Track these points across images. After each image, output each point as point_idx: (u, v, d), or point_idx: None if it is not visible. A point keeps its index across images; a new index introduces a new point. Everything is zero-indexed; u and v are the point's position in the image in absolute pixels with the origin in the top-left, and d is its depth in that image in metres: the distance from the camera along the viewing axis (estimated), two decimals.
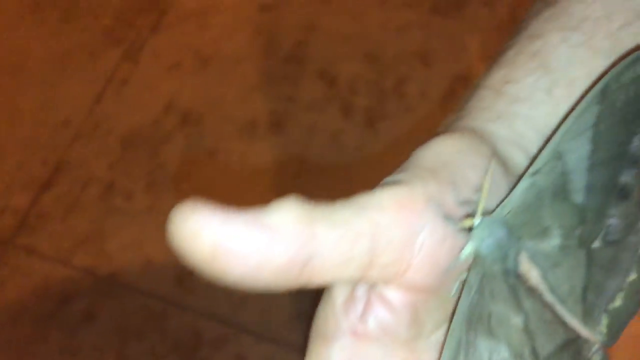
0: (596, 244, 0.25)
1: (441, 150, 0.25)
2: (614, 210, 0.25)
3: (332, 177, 1.07)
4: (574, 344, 0.25)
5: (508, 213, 0.24)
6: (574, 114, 0.24)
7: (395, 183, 0.23)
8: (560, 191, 0.24)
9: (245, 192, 1.07)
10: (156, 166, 1.10)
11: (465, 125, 0.27)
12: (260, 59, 1.18)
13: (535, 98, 0.27)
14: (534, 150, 0.26)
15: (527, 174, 0.24)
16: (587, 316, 0.25)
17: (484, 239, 0.23)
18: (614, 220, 0.25)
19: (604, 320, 0.26)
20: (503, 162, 0.26)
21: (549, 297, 0.25)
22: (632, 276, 0.26)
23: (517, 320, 0.24)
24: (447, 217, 0.23)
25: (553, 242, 0.24)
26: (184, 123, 1.13)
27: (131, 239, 1.05)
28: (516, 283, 0.24)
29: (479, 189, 0.24)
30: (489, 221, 0.23)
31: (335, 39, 1.18)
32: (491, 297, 0.24)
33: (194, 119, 1.13)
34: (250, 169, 1.09)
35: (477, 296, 0.23)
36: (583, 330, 0.25)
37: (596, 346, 0.26)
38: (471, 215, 0.23)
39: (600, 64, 0.27)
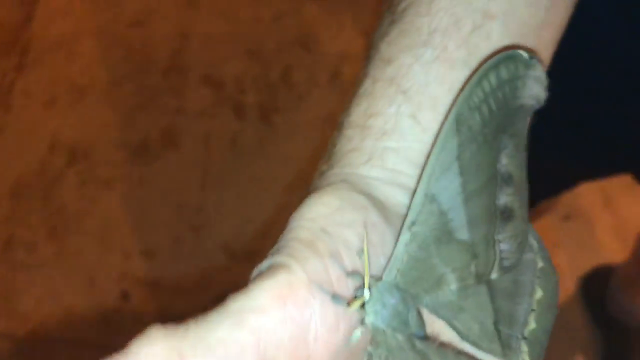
0: (494, 275, 0.24)
1: (316, 214, 0.23)
2: (502, 234, 0.24)
3: (239, 182, 1.04)
4: None
5: (397, 274, 0.23)
6: (434, 151, 0.23)
7: (272, 270, 0.21)
8: (443, 234, 0.23)
9: (151, 217, 1.03)
10: (54, 210, 1.04)
11: (337, 174, 0.26)
12: (138, 76, 1.14)
13: (402, 127, 0.26)
14: (411, 184, 0.25)
15: (404, 226, 0.23)
16: (507, 349, 0.25)
17: (378, 313, 0.22)
18: (504, 245, 0.24)
19: (524, 348, 0.25)
20: (382, 206, 0.25)
21: (462, 346, 0.24)
22: (539, 294, 0.25)
23: None
24: (335, 298, 0.21)
25: (451, 287, 0.24)
26: (73, 159, 1.08)
27: (45, 291, 0.99)
28: (425, 347, 0.23)
29: (360, 251, 0.22)
30: (378, 291, 0.22)
31: (212, 42, 1.15)
32: None
33: (81, 152, 1.08)
34: (153, 192, 1.05)
35: None
36: None
37: None
38: (359, 288, 0.22)
39: (459, 76, 0.26)
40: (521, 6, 0.28)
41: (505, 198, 0.24)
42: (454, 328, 0.24)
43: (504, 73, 0.24)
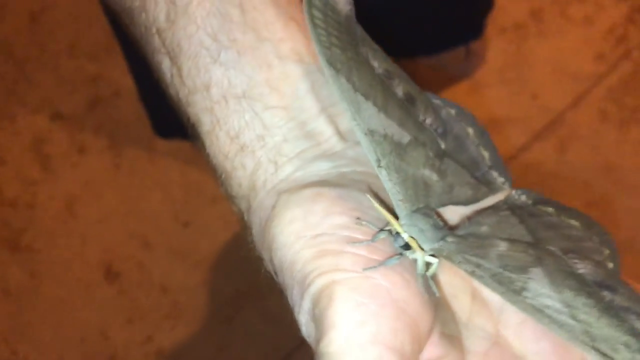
0: (443, 146, 0.27)
1: (296, 231, 0.25)
2: (421, 115, 0.27)
3: None
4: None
5: (402, 205, 0.25)
6: (341, 99, 0.25)
7: (330, 293, 0.23)
8: (398, 149, 0.26)
9: None
10: None
11: (266, 196, 0.28)
12: None
13: (268, 123, 0.29)
14: (327, 147, 0.28)
15: (376, 168, 0.25)
16: (490, 185, 0.28)
17: (427, 239, 0.24)
18: (428, 120, 0.27)
19: (494, 173, 0.28)
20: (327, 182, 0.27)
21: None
22: (470, 130, 0.29)
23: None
24: (389, 261, 0.23)
25: (434, 179, 0.26)
26: None
27: None
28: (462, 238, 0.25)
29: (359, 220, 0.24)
30: (409, 226, 0.24)
31: None
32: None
33: None
34: None
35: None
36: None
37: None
38: (395, 238, 0.24)
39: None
40: None
41: (399, 89, 0.27)
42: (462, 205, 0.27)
43: (316, 2, 0.27)
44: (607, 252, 0.26)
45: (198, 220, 0.99)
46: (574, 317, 0.21)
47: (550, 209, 0.27)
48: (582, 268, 0.24)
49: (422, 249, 0.24)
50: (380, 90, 0.26)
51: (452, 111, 0.29)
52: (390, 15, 0.66)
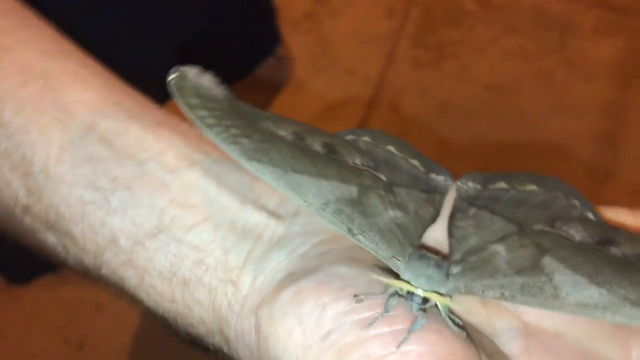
0: (385, 178, 0.26)
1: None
2: (349, 159, 0.26)
3: None
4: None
5: (394, 256, 0.23)
6: (270, 181, 0.24)
7: None
8: (353, 205, 0.24)
9: None
10: None
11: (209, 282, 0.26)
12: None
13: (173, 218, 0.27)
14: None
15: (319, 214, 0.24)
16: (433, 192, 0.27)
17: (428, 282, 0.23)
18: (358, 160, 0.26)
19: (434, 175, 0.28)
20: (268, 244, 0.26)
21: None
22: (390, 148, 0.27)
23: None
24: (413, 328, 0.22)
25: (399, 215, 0.25)
26: None
27: None
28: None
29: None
30: (406, 275, 0.23)
31: None
32: None
33: None
34: None
35: None
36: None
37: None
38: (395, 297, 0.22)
39: None
40: None
41: (316, 145, 0.25)
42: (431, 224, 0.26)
43: (192, 101, 0.25)
44: (577, 202, 0.25)
45: (91, 336, 0.91)
46: (612, 293, 0.21)
47: (501, 184, 0.27)
48: (576, 233, 0.24)
49: (440, 294, 0.22)
50: (305, 157, 0.24)
51: (366, 138, 0.27)
52: (201, 45, 0.65)
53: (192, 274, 0.26)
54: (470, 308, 0.25)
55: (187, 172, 0.27)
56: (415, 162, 0.27)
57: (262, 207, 0.26)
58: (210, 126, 0.24)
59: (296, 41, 1.06)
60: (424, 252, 0.23)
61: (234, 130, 0.24)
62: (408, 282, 0.22)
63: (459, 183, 0.27)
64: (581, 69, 1.05)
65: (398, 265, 0.23)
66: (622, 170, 0.97)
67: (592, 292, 0.21)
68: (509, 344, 0.24)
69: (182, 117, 0.27)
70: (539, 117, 1.01)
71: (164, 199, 0.26)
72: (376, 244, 0.23)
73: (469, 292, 0.23)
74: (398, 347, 0.21)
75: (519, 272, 0.22)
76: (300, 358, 0.22)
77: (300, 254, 0.25)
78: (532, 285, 0.22)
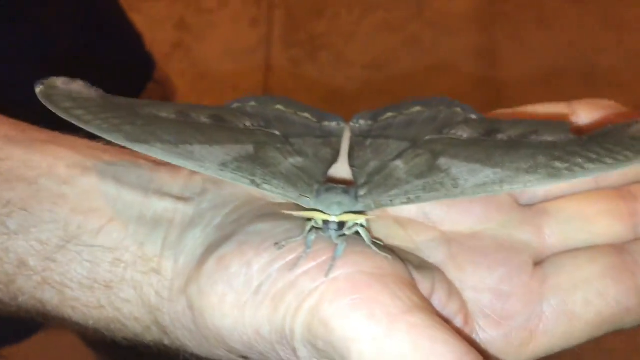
0: (279, 132, 0.28)
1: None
2: (239, 123, 0.27)
3: None
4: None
5: (302, 194, 0.25)
6: (164, 158, 0.25)
7: None
8: (251, 160, 0.25)
9: None
10: None
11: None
12: None
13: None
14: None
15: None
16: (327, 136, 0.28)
17: (339, 206, 0.24)
18: (248, 123, 0.27)
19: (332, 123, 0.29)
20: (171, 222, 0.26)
21: None
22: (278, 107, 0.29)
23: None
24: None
25: (299, 160, 0.26)
26: None
27: None
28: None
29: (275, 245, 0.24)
30: (322, 205, 0.24)
31: None
32: None
33: None
34: None
35: None
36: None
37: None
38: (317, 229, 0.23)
39: None
40: None
41: (202, 117, 0.26)
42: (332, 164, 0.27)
43: (66, 104, 0.26)
44: (459, 109, 0.28)
45: None
46: (505, 168, 0.23)
47: (389, 114, 0.28)
48: (463, 133, 0.26)
49: (358, 213, 0.23)
50: (192, 129, 0.25)
51: (252, 103, 0.28)
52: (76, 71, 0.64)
53: (112, 275, 0.26)
54: (389, 233, 0.26)
55: (82, 179, 0.27)
56: (306, 115, 0.29)
57: (166, 195, 0.27)
58: (88, 122, 0.24)
59: (173, 71, 1.07)
60: (330, 184, 0.25)
61: (114, 121, 0.24)
62: (321, 212, 0.23)
63: (350, 124, 0.29)
64: (444, 25, 1.10)
65: (308, 202, 0.24)
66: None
67: (487, 173, 0.23)
68: (433, 254, 0.26)
69: (71, 131, 0.27)
70: (419, 80, 1.06)
71: (64, 210, 0.26)
72: (282, 188, 0.24)
73: (378, 206, 0.24)
74: (326, 275, 0.22)
75: (419, 176, 0.24)
76: (239, 319, 0.23)
77: (215, 226, 0.25)
78: (433, 183, 0.24)
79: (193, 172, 0.27)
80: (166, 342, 0.27)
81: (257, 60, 1.11)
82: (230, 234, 0.24)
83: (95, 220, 0.26)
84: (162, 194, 0.27)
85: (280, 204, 0.26)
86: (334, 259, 0.22)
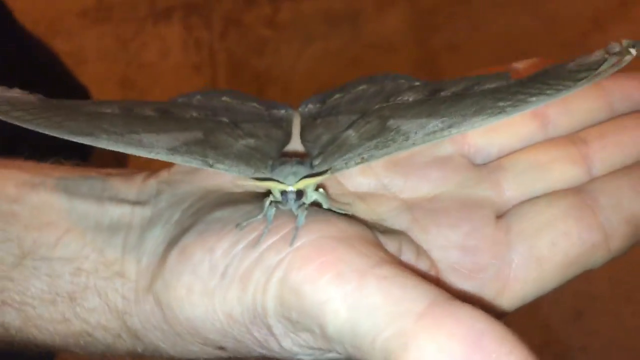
0: (227, 119, 0.28)
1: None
2: (186, 114, 0.28)
3: None
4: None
5: (256, 170, 0.25)
6: (117, 148, 0.25)
7: None
8: (201, 144, 0.25)
9: None
10: None
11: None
12: None
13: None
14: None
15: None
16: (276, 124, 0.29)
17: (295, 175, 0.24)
18: (195, 113, 0.27)
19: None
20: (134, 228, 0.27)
21: None
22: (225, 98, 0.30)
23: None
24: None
25: (251, 142, 0.27)
26: None
27: None
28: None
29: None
30: (280, 176, 0.24)
31: None
32: None
33: None
34: None
35: None
36: None
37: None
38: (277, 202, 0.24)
39: None
40: None
41: (148, 111, 0.27)
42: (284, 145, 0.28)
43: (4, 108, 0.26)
44: (403, 80, 0.28)
45: None
46: (450, 116, 0.24)
47: (337, 95, 0.29)
48: (409, 97, 0.27)
49: (314, 176, 0.24)
50: (138, 121, 0.25)
51: (198, 97, 0.29)
52: None
53: (74, 286, 0.25)
54: (351, 208, 0.26)
55: (33, 196, 0.27)
56: (254, 104, 0.29)
57: (122, 201, 0.27)
58: (29, 121, 0.23)
59: None
60: (284, 158, 0.25)
61: (56, 119, 0.24)
62: (277, 181, 0.24)
63: (299, 110, 0.29)
64: (382, 44, 1.13)
65: (265, 174, 0.24)
66: None
67: (435, 123, 0.24)
68: (397, 222, 0.26)
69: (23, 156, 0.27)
70: None
71: (17, 228, 0.26)
72: (236, 166, 0.24)
73: (334, 170, 0.24)
74: (291, 244, 0.22)
75: (370, 138, 0.25)
76: (209, 306, 0.23)
77: (174, 222, 0.25)
78: (385, 141, 0.24)
79: (146, 177, 0.28)
80: (139, 349, 0.26)
81: None
82: (189, 226, 0.24)
83: (50, 234, 0.26)
84: (118, 200, 0.27)
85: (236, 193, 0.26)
86: (296, 228, 0.22)
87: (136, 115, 0.26)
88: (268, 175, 0.24)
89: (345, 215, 0.24)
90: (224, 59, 1.16)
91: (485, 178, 0.27)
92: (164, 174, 0.28)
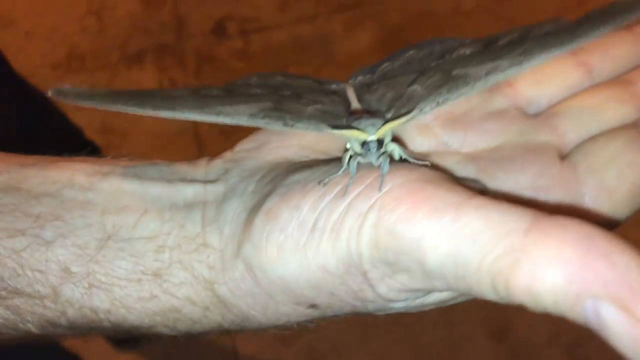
0: (287, 94, 0.29)
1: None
2: (250, 91, 0.28)
3: None
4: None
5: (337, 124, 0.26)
6: (209, 119, 0.26)
7: None
8: (274, 111, 0.26)
9: None
10: None
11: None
12: None
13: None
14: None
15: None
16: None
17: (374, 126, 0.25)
18: (258, 90, 0.28)
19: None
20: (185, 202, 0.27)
21: None
22: (279, 78, 0.31)
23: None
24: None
25: (318, 106, 0.27)
26: None
27: None
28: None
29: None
30: (361, 126, 0.25)
31: None
32: None
33: None
34: None
35: None
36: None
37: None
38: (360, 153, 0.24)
39: None
40: None
41: (214, 92, 0.28)
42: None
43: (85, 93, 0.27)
44: (452, 41, 0.29)
45: None
46: (512, 59, 0.25)
47: (386, 64, 0.30)
48: (465, 51, 0.28)
49: (395, 118, 0.25)
50: (211, 98, 0.26)
51: (255, 78, 0.30)
52: None
53: (159, 263, 0.26)
54: (412, 145, 0.27)
55: (104, 183, 0.27)
56: (308, 81, 0.30)
57: (192, 181, 0.27)
58: (113, 100, 0.25)
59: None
60: (358, 114, 0.26)
61: (134, 101, 0.25)
62: (359, 129, 0.24)
63: (350, 82, 0.30)
64: (355, 62, 1.16)
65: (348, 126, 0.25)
66: None
67: (502, 63, 0.25)
68: (463, 172, 0.27)
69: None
70: None
71: (95, 214, 0.26)
72: (315, 124, 0.25)
73: (410, 118, 0.25)
74: (380, 189, 0.22)
75: (440, 86, 0.26)
76: (302, 261, 0.23)
77: (250, 192, 0.25)
78: (456, 85, 0.25)
79: (209, 160, 0.28)
80: (227, 322, 0.26)
81: (188, 136, 1.12)
82: (269, 191, 0.25)
83: (129, 216, 0.26)
84: (188, 181, 0.27)
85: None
86: (382, 176, 0.23)
87: (205, 94, 0.27)
88: (352, 124, 0.25)
89: (424, 165, 0.25)
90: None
91: (543, 125, 0.28)
92: (227, 154, 0.28)
